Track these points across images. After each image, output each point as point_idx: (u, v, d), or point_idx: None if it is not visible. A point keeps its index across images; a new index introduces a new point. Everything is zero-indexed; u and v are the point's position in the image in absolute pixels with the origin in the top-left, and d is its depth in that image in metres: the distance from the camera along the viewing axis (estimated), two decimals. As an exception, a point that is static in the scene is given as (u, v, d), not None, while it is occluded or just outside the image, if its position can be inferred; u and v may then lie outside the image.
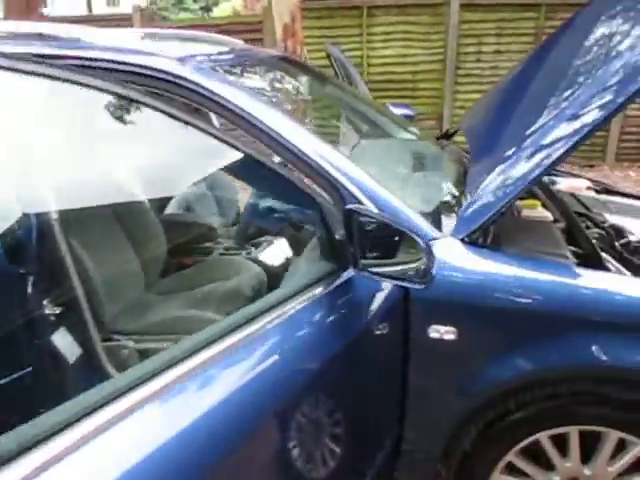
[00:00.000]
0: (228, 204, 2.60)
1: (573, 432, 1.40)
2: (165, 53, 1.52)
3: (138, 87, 1.25)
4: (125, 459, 0.75)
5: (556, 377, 1.38)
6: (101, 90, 1.07)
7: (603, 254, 1.65)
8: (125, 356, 1.55)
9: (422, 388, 1.42)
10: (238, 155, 1.21)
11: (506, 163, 1.49)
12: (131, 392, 0.82)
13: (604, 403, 1.37)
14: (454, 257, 1.38)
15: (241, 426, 0.94)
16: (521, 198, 2.07)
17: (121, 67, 1.42)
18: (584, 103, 1.39)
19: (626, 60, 1.40)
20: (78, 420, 0.74)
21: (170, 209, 2.39)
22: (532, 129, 1.52)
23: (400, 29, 6.29)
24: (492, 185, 1.47)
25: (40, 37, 1.65)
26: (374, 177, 1.44)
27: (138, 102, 1.15)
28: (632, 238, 1.78)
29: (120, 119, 1.36)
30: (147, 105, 1.11)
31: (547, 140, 1.42)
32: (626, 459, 1.40)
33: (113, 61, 1.43)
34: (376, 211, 1.15)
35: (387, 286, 1.34)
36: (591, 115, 1.36)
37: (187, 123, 1.13)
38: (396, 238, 1.23)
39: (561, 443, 1.43)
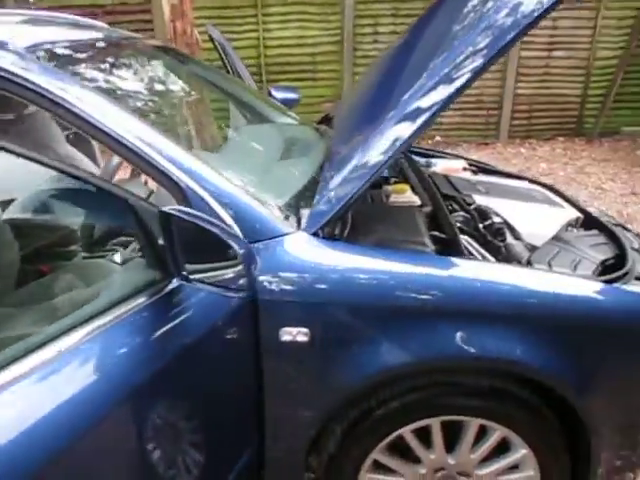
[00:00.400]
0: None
1: (435, 424, 1.37)
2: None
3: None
4: None
5: (415, 370, 1.35)
6: None
7: (467, 238, 1.64)
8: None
9: (279, 393, 1.34)
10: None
11: (358, 150, 1.42)
12: None
13: (463, 393, 1.35)
14: (301, 254, 1.30)
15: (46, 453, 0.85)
16: (392, 182, 2.06)
17: None
18: (437, 74, 1.34)
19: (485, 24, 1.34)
20: None
21: (17, 211, 2.15)
22: (387, 111, 1.46)
23: (296, 9, 6.14)
24: (343, 174, 1.40)
25: None
26: (232, 168, 1.33)
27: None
28: (496, 220, 1.78)
29: None
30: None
31: (399, 121, 1.35)
32: (487, 445, 1.40)
33: None
34: (193, 213, 1.04)
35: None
36: (438, 92, 1.31)
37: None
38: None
39: (428, 435, 1.41)
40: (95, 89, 1.33)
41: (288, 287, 1.26)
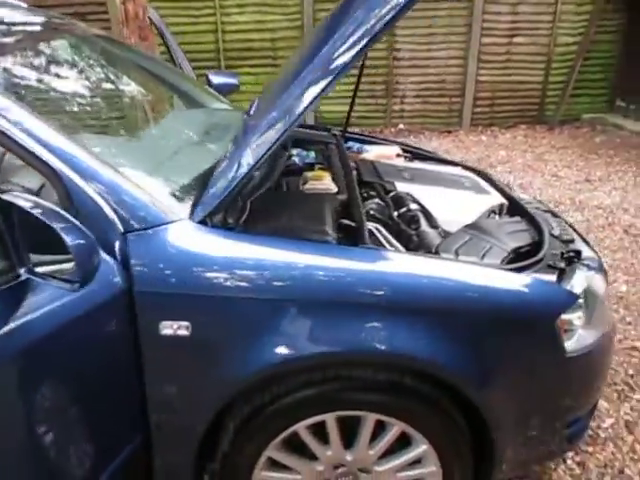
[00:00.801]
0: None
1: (330, 419, 1.31)
2: None
3: None
4: None
5: (307, 365, 1.28)
6: None
7: (377, 226, 1.58)
8: None
9: (161, 388, 1.27)
10: None
11: (249, 136, 1.35)
12: None
13: (359, 387, 1.29)
14: (183, 243, 1.22)
15: None
16: (316, 169, 1.99)
17: None
18: (317, 64, 1.27)
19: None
20: None
21: None
22: (279, 99, 1.39)
23: (254, -7, 6.02)
24: (233, 161, 1.32)
25: None
26: (132, 155, 1.23)
27: None
28: (412, 207, 1.73)
29: None
30: None
31: (283, 108, 1.29)
32: (385, 441, 1.35)
33: None
34: (32, 200, 0.95)
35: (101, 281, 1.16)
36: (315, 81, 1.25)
37: None
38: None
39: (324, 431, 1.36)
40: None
41: (166, 278, 1.19)
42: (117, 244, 1.19)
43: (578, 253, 1.63)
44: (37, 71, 1.54)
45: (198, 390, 1.26)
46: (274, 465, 1.38)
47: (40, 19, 1.93)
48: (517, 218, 1.80)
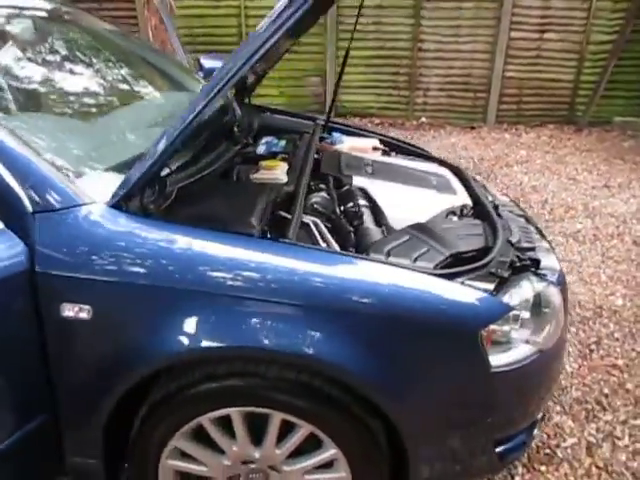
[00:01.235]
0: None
1: (235, 414, 1.28)
2: None
3: None
4: None
5: (213, 357, 1.25)
6: None
7: (316, 220, 1.53)
8: None
9: (64, 369, 1.26)
10: None
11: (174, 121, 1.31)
12: None
13: (264, 385, 1.25)
14: (90, 227, 1.20)
15: None
16: (278, 158, 1.94)
17: None
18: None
19: None
20: None
21: None
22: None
23: (280, -22, 5.95)
24: (153, 146, 1.28)
25: None
26: (66, 136, 1.22)
27: None
28: (361, 202, 1.67)
29: None
30: None
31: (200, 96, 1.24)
32: (292, 441, 1.31)
33: None
34: None
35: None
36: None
37: None
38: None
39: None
40: None
41: (68, 261, 1.17)
42: (24, 223, 1.19)
43: (535, 262, 1.54)
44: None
45: (100, 373, 1.25)
46: (184, 455, 1.36)
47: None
48: (476, 221, 1.72)
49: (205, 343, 1.20)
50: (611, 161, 5.12)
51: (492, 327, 1.32)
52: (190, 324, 1.20)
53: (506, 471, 1.81)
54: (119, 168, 1.39)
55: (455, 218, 1.75)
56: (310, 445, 1.33)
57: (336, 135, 2.52)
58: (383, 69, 6.30)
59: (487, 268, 1.40)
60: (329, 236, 1.47)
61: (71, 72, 1.76)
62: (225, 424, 1.31)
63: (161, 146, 1.22)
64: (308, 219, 1.51)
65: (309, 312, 1.19)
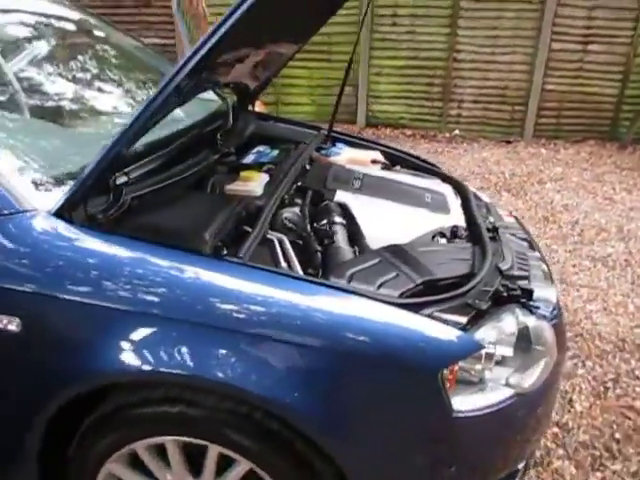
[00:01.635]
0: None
1: (170, 443, 1.19)
2: None
3: None
4: None
5: (146, 381, 1.16)
6: None
7: (281, 236, 1.43)
8: None
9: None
10: None
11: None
12: None
13: (200, 415, 1.15)
14: (23, 235, 1.14)
15: None
16: (264, 169, 1.85)
17: None
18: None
19: None
20: None
21: None
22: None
23: (315, -14, 5.90)
24: (100, 151, 1.21)
25: None
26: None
27: None
28: (336, 220, 1.55)
29: None
30: None
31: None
32: (231, 477, 1.20)
33: None
34: None
35: None
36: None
37: None
38: None
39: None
40: None
41: (-4, 270, 1.12)
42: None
43: (526, 292, 1.39)
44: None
45: (29, 388, 1.18)
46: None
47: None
48: (466, 245, 1.58)
49: (134, 365, 1.11)
50: (654, 181, 4.80)
51: (460, 365, 1.18)
52: (122, 344, 1.11)
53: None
54: (74, 176, 1.33)
55: (442, 240, 1.61)
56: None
57: (339, 145, 2.42)
58: (416, 79, 6.15)
59: (463, 298, 1.27)
60: (292, 255, 1.36)
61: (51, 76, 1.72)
62: (161, 452, 1.22)
63: (103, 152, 1.14)
64: (273, 235, 1.41)
65: (246, 339, 1.09)
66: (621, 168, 5.13)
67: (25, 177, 1.24)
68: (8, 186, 1.18)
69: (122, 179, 1.35)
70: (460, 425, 1.15)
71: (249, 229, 1.36)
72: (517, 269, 1.50)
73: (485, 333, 1.24)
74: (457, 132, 6.29)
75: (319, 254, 1.39)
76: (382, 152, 2.33)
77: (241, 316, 1.10)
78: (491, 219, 1.84)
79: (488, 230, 1.68)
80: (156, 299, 1.12)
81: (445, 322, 1.19)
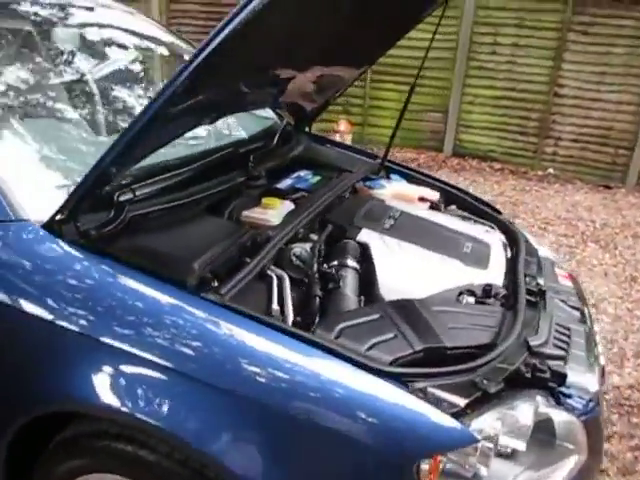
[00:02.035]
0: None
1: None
2: None
3: None
4: None
5: (97, 415, 1.10)
6: None
7: (282, 274, 1.32)
8: None
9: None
10: None
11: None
12: None
13: (152, 460, 1.06)
14: (8, 245, 1.13)
15: None
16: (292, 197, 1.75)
17: None
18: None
19: None
20: None
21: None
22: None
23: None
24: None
25: None
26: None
27: None
28: (348, 263, 1.42)
29: None
30: None
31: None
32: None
33: None
34: None
35: None
36: None
37: None
38: None
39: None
40: None
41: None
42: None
43: (558, 376, 1.18)
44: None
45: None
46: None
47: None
48: (496, 308, 1.38)
49: (82, 396, 1.06)
50: None
51: (449, 456, 1.01)
52: (78, 373, 1.06)
53: None
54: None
55: (470, 299, 1.41)
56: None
57: (394, 177, 2.27)
58: (512, 112, 5.81)
59: (471, 375, 1.09)
60: (288, 296, 1.25)
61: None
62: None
63: (91, 168, 1.10)
64: (274, 271, 1.31)
65: (199, 389, 0.99)
66: None
67: (25, 185, 1.22)
68: (6, 195, 1.18)
69: (127, 195, 1.31)
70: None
71: (249, 261, 1.27)
72: (552, 346, 1.29)
73: (487, 422, 1.05)
74: (551, 170, 5.85)
75: (318, 299, 1.27)
76: (440, 189, 2.16)
77: (196, 361, 1.01)
78: (540, 280, 1.61)
79: (531, 293, 1.47)
80: (125, 331, 1.05)
81: (437, 401, 1.02)
